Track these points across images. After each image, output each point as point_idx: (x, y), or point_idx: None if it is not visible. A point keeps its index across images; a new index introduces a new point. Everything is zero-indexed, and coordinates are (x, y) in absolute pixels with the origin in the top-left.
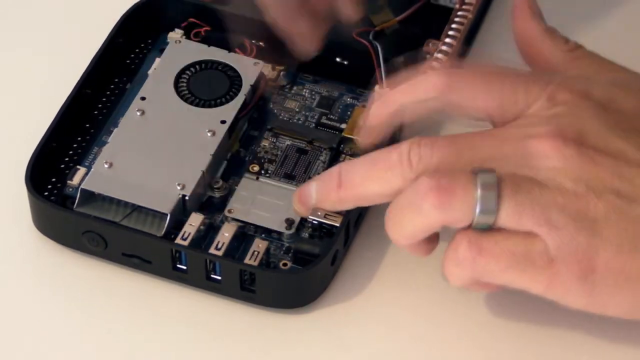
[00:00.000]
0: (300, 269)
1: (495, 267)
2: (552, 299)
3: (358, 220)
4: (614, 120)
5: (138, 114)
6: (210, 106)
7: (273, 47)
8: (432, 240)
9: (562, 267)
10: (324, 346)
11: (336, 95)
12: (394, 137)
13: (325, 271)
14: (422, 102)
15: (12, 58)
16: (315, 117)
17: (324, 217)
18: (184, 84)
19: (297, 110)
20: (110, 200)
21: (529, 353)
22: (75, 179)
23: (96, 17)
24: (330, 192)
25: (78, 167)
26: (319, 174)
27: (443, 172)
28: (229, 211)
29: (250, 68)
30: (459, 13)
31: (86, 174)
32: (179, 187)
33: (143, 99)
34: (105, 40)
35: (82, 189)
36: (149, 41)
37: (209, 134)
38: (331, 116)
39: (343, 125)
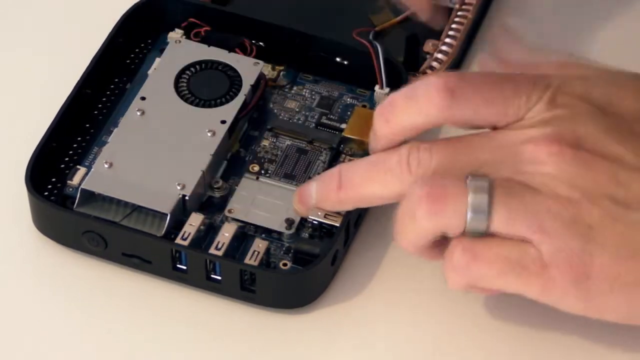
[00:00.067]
0: (300, 269)
1: (489, 272)
2: (548, 304)
3: (358, 220)
4: (612, 124)
5: (138, 114)
6: (210, 106)
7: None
8: (440, 245)
9: (556, 273)
10: (324, 346)
11: (336, 95)
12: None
13: (325, 271)
14: (424, 122)
15: (12, 58)
16: (315, 117)
17: (324, 217)
18: (184, 84)
19: (297, 110)
20: (110, 200)
21: (529, 353)
22: (75, 179)
23: (96, 17)
24: (330, 192)
25: (78, 167)
26: (319, 174)
27: (436, 179)
28: (229, 211)
29: (250, 68)
30: (459, 13)
31: (86, 174)
32: (179, 187)
33: (143, 99)
34: (105, 40)
35: (82, 189)
36: (149, 41)
37: (209, 134)
38: (331, 116)
39: (343, 125)
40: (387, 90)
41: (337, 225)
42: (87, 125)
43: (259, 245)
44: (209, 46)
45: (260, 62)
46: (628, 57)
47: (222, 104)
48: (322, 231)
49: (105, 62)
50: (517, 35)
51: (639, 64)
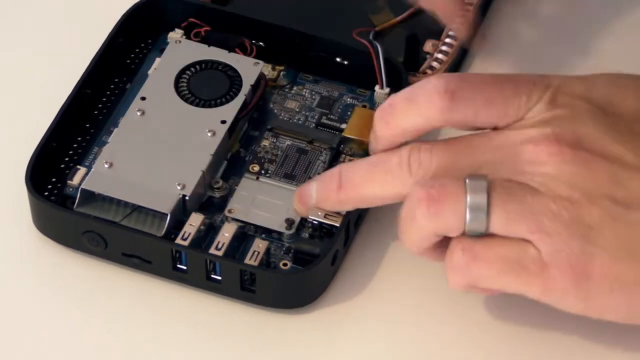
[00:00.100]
0: (301, 269)
1: (489, 272)
2: (549, 304)
3: (358, 221)
4: (612, 124)
5: (138, 114)
6: (210, 106)
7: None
8: (444, 246)
9: (556, 273)
10: (324, 346)
11: (336, 95)
12: None
13: (325, 271)
14: (425, 124)
15: (12, 58)
16: (316, 117)
17: (324, 217)
18: (184, 84)
19: (297, 110)
20: (111, 200)
21: (530, 353)
22: (76, 179)
23: (96, 17)
24: (330, 192)
25: (78, 167)
26: (319, 174)
27: (435, 180)
28: (229, 211)
29: (250, 68)
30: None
31: (86, 174)
32: (179, 187)
33: (143, 99)
34: (105, 40)
35: (82, 189)
36: (149, 41)
37: (209, 134)
38: (331, 116)
39: (343, 125)
40: (387, 90)
41: (337, 225)
42: (87, 125)
43: (259, 245)
44: (209, 46)
45: (261, 62)
46: (627, 64)
47: (222, 104)
48: (322, 231)
49: (105, 62)
50: (493, 45)
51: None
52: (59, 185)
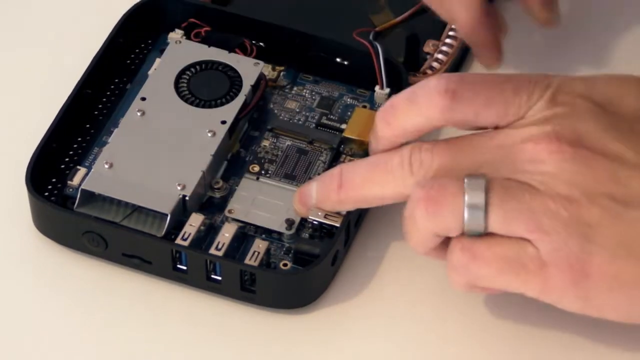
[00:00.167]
0: (301, 269)
1: (488, 271)
2: (548, 302)
3: (358, 221)
4: (613, 122)
5: (138, 114)
6: (210, 106)
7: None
8: (447, 245)
9: (555, 272)
10: (324, 346)
11: (336, 95)
12: None
13: (326, 271)
14: (426, 124)
15: (12, 58)
16: (316, 117)
17: (324, 217)
18: (184, 85)
19: (298, 110)
20: (111, 200)
21: (530, 352)
22: (76, 179)
23: (96, 17)
24: (330, 192)
25: (78, 167)
26: (319, 174)
27: (434, 180)
28: (229, 211)
29: (250, 68)
30: None
31: (86, 174)
32: (179, 188)
33: (143, 99)
34: (105, 40)
35: (82, 189)
36: (149, 41)
37: (209, 134)
38: (331, 116)
39: (343, 126)
40: (387, 90)
41: (338, 225)
42: (88, 126)
43: (259, 245)
44: (209, 46)
45: (261, 62)
46: (629, 63)
47: (222, 104)
48: (322, 231)
49: (105, 63)
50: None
51: None
52: (59, 185)
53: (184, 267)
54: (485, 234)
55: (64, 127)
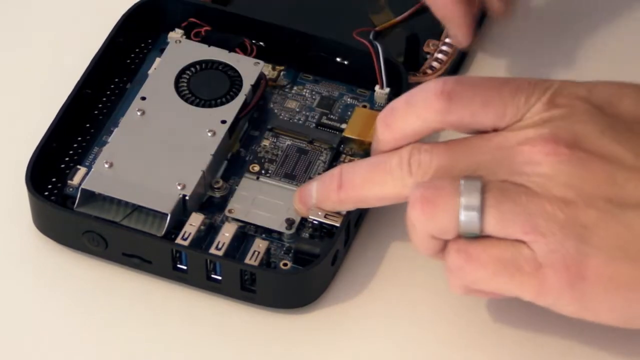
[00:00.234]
0: (301, 269)
1: (484, 274)
2: (544, 306)
3: (358, 221)
4: (611, 124)
5: (138, 113)
6: (210, 106)
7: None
8: None
9: (551, 274)
10: (324, 346)
11: (336, 95)
12: None
13: (326, 271)
14: (424, 127)
15: (12, 58)
16: (316, 117)
17: (325, 217)
18: (185, 84)
19: (298, 110)
20: (111, 200)
21: (529, 353)
22: (76, 179)
23: (96, 17)
24: (330, 192)
25: (78, 167)
26: (319, 174)
27: (430, 181)
28: (230, 211)
29: (250, 68)
30: None
31: (86, 173)
32: (179, 187)
33: (143, 98)
34: (105, 40)
35: (82, 188)
36: (149, 41)
37: (209, 134)
38: (331, 116)
39: (343, 125)
40: (387, 90)
41: (338, 225)
42: (88, 125)
43: (259, 245)
44: (209, 46)
45: (261, 62)
46: (629, 66)
47: (222, 104)
48: (322, 231)
49: (105, 62)
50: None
51: None
52: (59, 185)
53: (184, 267)
54: (481, 236)
55: (64, 126)
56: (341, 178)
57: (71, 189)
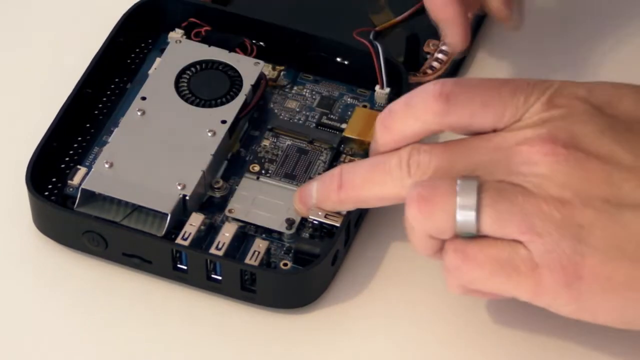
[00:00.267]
0: (301, 269)
1: (480, 274)
2: (542, 306)
3: (358, 221)
4: (609, 124)
5: (138, 113)
6: (210, 106)
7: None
8: None
9: (547, 273)
10: (324, 346)
11: (336, 95)
12: None
13: (326, 271)
14: (423, 128)
15: (12, 58)
16: (316, 117)
17: (325, 217)
18: (185, 84)
19: (298, 110)
20: (111, 200)
21: (528, 353)
22: (76, 179)
23: (96, 17)
24: (330, 192)
25: (78, 167)
26: (319, 174)
27: (427, 181)
28: (230, 211)
29: (250, 68)
30: None
31: (87, 173)
32: (179, 187)
33: (143, 98)
34: (105, 40)
35: (82, 188)
36: (150, 41)
37: (209, 134)
38: (332, 116)
39: (343, 125)
40: (387, 90)
41: (338, 225)
42: (88, 125)
43: (260, 245)
44: (209, 46)
45: (261, 62)
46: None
47: (222, 103)
48: (322, 231)
49: (105, 62)
50: (493, 46)
51: None
52: (59, 185)
53: (184, 267)
54: (479, 236)
55: (64, 126)
56: (341, 178)
57: (71, 189)
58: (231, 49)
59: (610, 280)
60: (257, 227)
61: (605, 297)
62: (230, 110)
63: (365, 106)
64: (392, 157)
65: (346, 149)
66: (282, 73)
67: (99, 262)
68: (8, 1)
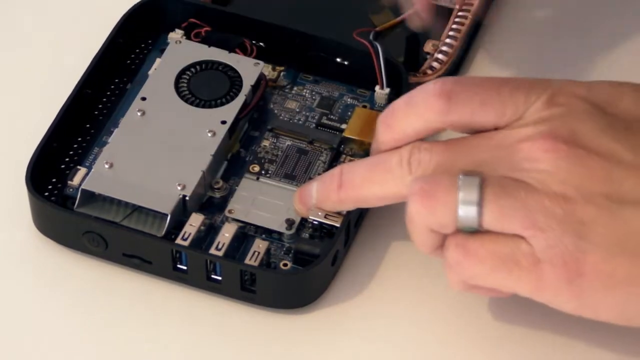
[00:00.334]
0: (301, 269)
1: (482, 269)
2: (543, 302)
3: (358, 221)
4: (610, 122)
5: (138, 114)
6: (210, 106)
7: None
8: None
9: (549, 269)
10: (324, 346)
11: (336, 95)
12: None
13: (326, 271)
14: (424, 127)
15: (12, 58)
16: (316, 117)
17: (325, 217)
18: (185, 85)
19: (298, 110)
20: (111, 200)
21: (529, 353)
22: (76, 179)
23: (96, 17)
24: (330, 192)
25: (78, 167)
26: (319, 174)
27: (429, 176)
28: (230, 211)
29: (250, 68)
30: (460, 13)
31: (86, 174)
32: (179, 188)
33: (143, 99)
34: (105, 40)
35: (82, 189)
36: (150, 41)
37: (209, 134)
38: (331, 116)
39: (343, 126)
40: (387, 90)
41: (338, 225)
42: (88, 126)
43: (259, 245)
44: (209, 46)
45: (261, 62)
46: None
47: (222, 104)
48: (322, 231)
49: (105, 63)
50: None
51: None
52: (59, 185)
53: (184, 267)
54: (480, 231)
55: (64, 127)
56: (341, 178)
57: (71, 190)
58: (231, 50)
59: (612, 277)
60: (257, 227)
61: (607, 293)
62: (230, 110)
63: (365, 106)
64: (393, 156)
65: (346, 150)
66: (282, 73)
67: (99, 263)
68: (8, 1)
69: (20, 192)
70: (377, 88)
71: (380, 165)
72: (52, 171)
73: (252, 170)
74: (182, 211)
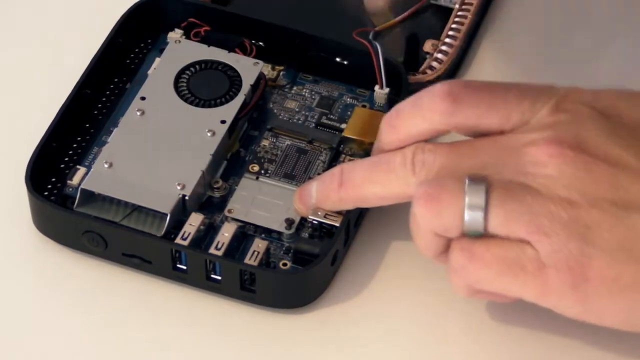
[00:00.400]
0: (300, 269)
1: (487, 273)
2: (547, 307)
3: (358, 220)
4: (615, 128)
5: (138, 113)
6: (210, 106)
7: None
8: None
9: (554, 274)
10: (324, 346)
11: (336, 95)
12: None
13: (325, 271)
14: (429, 129)
15: (12, 58)
16: (315, 117)
17: (324, 217)
18: (184, 84)
19: (297, 110)
20: (111, 200)
21: (530, 354)
22: (75, 179)
23: (96, 17)
24: (330, 191)
25: (78, 167)
26: (318, 174)
27: (434, 180)
28: (229, 211)
29: (250, 68)
30: (459, 13)
31: (86, 173)
32: (179, 187)
33: (143, 98)
34: (105, 40)
35: (82, 188)
36: (149, 41)
37: (208, 134)
38: (331, 116)
39: (343, 125)
40: (387, 90)
41: (337, 225)
42: (87, 125)
43: (259, 245)
44: (208, 46)
45: (260, 62)
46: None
47: (222, 103)
48: (322, 231)
49: (105, 62)
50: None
51: None
52: (58, 185)
53: (184, 267)
54: (485, 236)
55: (63, 126)
56: (342, 177)
57: (71, 189)
58: (231, 49)
59: (617, 283)
60: (257, 227)
61: (612, 299)
62: (229, 110)
63: (364, 106)
64: (396, 156)
65: (345, 149)
66: (281, 73)
67: (99, 262)
68: (8, 1)
69: (20, 192)
70: (376, 88)
71: (382, 165)
72: (51, 171)
73: (251, 170)
74: (182, 211)
